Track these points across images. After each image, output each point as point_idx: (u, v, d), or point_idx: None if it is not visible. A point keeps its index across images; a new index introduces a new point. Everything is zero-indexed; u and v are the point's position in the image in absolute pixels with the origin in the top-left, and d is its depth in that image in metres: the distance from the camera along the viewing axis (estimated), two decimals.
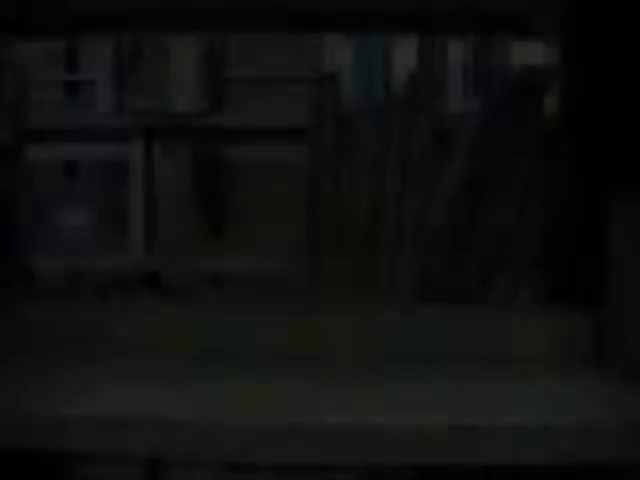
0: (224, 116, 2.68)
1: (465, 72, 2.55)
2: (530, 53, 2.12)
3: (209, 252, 2.43)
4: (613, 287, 0.76)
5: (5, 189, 0.88)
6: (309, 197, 0.93)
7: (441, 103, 2.16)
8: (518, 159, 0.91)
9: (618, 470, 0.71)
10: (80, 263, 2.61)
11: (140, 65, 2.57)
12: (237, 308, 0.86)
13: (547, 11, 1.02)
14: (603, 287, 0.77)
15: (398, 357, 0.80)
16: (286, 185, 2.97)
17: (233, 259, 2.46)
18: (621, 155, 0.78)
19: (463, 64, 2.56)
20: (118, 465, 1.03)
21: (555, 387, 0.73)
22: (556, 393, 0.71)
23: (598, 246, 0.78)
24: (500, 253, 0.91)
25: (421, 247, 0.91)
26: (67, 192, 2.70)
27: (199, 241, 2.35)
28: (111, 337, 0.81)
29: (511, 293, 0.92)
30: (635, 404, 0.62)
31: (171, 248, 2.31)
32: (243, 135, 2.92)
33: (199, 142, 2.58)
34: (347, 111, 0.92)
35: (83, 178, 3.02)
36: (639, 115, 0.78)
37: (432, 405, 0.65)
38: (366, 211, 0.92)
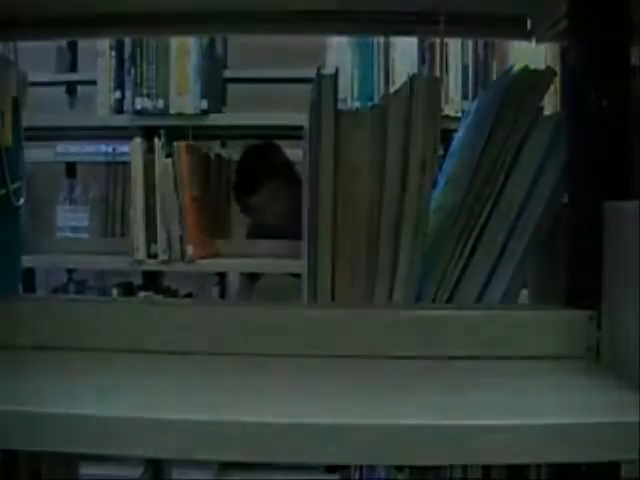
0: (224, 116, 2.68)
1: (465, 72, 2.55)
2: (530, 53, 2.11)
3: (209, 252, 2.42)
4: (611, 287, 0.76)
5: None
6: (309, 197, 0.93)
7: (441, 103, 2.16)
8: (518, 159, 0.91)
9: (616, 468, 0.71)
10: (80, 263, 2.61)
11: (140, 65, 2.56)
12: (238, 308, 0.86)
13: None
14: (601, 287, 0.78)
15: (397, 357, 0.80)
16: None
17: (234, 259, 2.46)
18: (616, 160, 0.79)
19: (463, 64, 2.56)
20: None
21: (554, 387, 0.73)
22: (555, 393, 0.71)
23: (596, 246, 0.78)
24: (500, 253, 0.92)
25: (421, 247, 0.91)
26: (67, 192, 2.69)
27: (199, 241, 2.35)
28: (111, 336, 0.81)
29: (511, 293, 0.92)
30: (633, 403, 0.62)
31: (171, 248, 2.31)
32: (243, 135, 2.91)
33: (199, 142, 2.57)
34: (347, 111, 0.92)
35: (83, 178, 3.02)
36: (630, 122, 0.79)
37: (432, 405, 0.65)
38: (366, 211, 0.92)
